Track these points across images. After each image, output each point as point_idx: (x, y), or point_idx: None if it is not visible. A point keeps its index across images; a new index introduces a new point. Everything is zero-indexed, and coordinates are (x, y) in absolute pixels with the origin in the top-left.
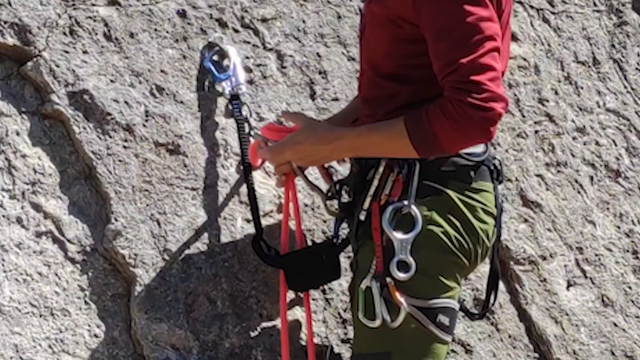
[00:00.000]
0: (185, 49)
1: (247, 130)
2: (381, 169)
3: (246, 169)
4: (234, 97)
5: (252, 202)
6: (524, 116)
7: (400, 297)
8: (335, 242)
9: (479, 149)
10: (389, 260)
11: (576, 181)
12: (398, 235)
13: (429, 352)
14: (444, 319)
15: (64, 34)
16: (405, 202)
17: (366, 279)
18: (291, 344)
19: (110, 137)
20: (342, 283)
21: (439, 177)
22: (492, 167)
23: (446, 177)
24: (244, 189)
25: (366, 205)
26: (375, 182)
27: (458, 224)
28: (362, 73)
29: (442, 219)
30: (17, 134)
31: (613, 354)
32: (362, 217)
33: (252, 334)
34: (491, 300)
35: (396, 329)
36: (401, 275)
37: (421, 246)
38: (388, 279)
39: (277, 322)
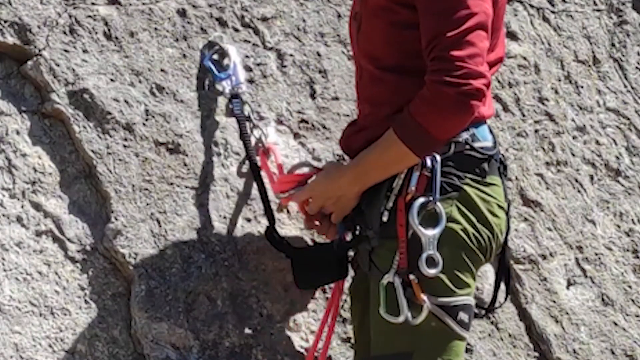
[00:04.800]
0: (185, 48)
1: (249, 128)
2: None
3: (253, 167)
4: (234, 96)
5: (263, 196)
6: (524, 115)
7: (422, 295)
8: (344, 241)
9: (489, 142)
10: (417, 256)
11: (576, 180)
12: (426, 232)
13: (450, 350)
14: (464, 316)
15: (64, 33)
16: (431, 198)
17: (388, 274)
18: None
19: (111, 136)
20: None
21: (456, 173)
22: (499, 162)
23: (463, 172)
24: (244, 188)
25: (390, 205)
26: (400, 182)
27: (475, 220)
28: (361, 73)
29: (461, 216)
30: (17, 133)
31: (613, 353)
32: (384, 219)
33: (252, 333)
34: (501, 295)
35: (416, 328)
36: (431, 272)
37: (442, 244)
38: (411, 276)
39: (278, 322)
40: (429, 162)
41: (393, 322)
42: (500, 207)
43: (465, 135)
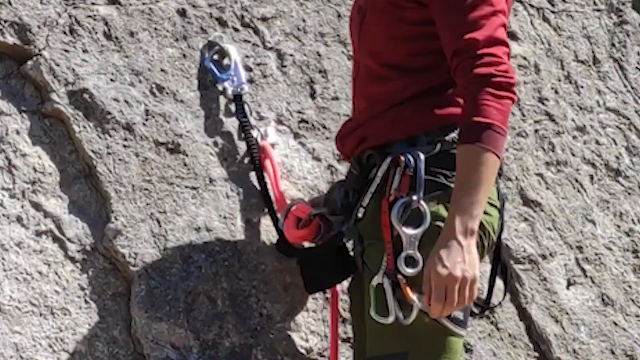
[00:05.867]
0: (185, 47)
1: (253, 130)
2: (385, 167)
3: (257, 170)
4: (237, 97)
5: (268, 203)
6: (524, 115)
7: (412, 295)
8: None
9: None
10: (397, 256)
11: (576, 180)
12: (407, 231)
13: (445, 348)
14: (458, 314)
15: (64, 33)
16: (414, 197)
17: (377, 276)
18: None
19: (111, 136)
20: (342, 282)
21: (443, 171)
22: None
23: (450, 170)
24: (244, 188)
25: (365, 202)
26: (378, 180)
27: None
28: (359, 69)
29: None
30: (17, 132)
31: (613, 353)
32: (359, 215)
33: (252, 333)
34: (499, 294)
35: (411, 328)
36: (409, 271)
37: (430, 242)
38: (399, 276)
39: (278, 322)
40: (411, 162)
41: (383, 322)
42: (492, 205)
43: (452, 134)
